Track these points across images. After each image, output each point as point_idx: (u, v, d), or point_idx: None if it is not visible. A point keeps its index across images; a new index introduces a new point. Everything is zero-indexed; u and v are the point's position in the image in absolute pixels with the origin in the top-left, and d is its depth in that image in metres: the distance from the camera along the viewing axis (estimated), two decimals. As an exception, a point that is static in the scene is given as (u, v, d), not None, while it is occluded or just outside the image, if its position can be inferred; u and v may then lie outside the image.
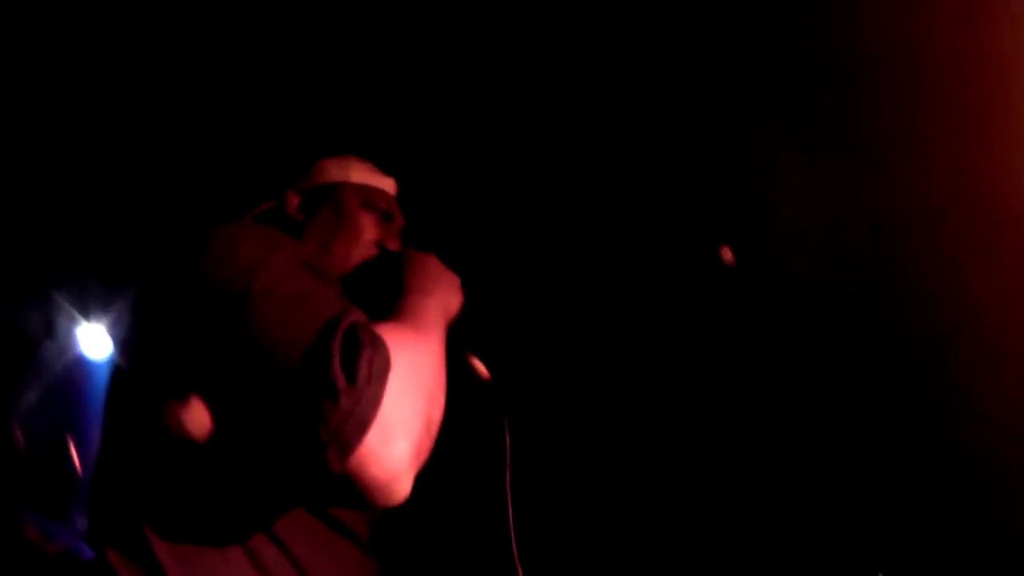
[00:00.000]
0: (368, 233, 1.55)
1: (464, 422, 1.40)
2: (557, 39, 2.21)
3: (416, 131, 2.23)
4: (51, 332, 3.78)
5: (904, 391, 2.52)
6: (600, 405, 2.48)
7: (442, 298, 1.36)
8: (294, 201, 1.58)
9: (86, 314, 3.78)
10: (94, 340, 3.89)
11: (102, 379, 3.72)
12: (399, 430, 1.02)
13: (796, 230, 2.34)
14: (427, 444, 1.09)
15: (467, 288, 1.42)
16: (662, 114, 2.32)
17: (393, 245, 1.58)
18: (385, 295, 1.32)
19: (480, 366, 1.42)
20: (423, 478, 1.13)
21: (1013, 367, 2.38)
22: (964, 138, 2.23)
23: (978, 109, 2.20)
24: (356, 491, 1.01)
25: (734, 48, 2.22)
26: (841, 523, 2.55)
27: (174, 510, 1.17)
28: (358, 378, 0.99)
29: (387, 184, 1.66)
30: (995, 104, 2.17)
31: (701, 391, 2.53)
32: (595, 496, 2.48)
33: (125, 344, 1.29)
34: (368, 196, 1.60)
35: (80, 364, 3.94)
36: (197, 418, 1.11)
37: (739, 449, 2.63)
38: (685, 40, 2.22)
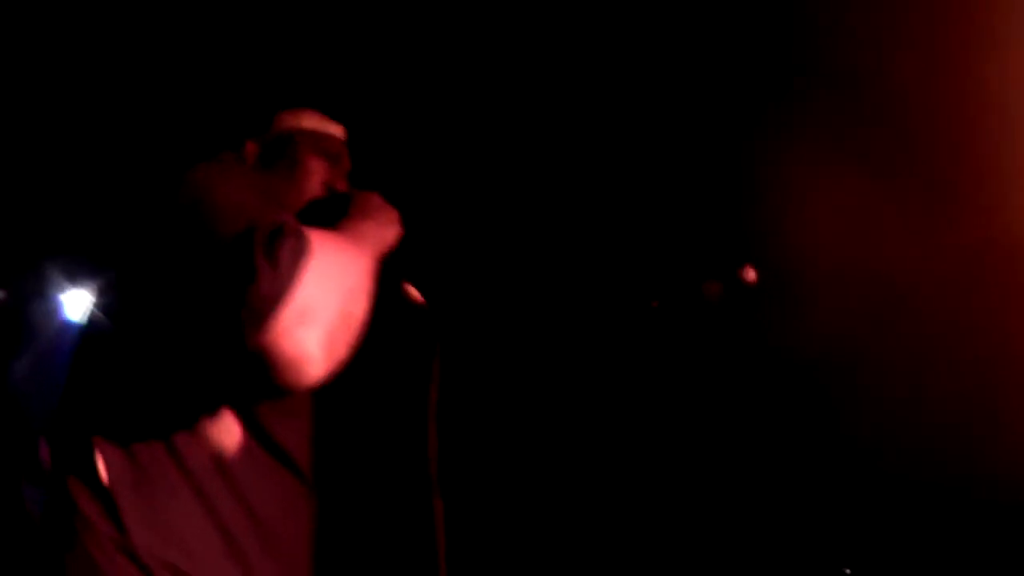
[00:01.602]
0: (317, 175, 1.67)
1: (398, 347, 1.51)
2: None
3: (371, 84, 2.32)
4: (42, 299, 3.86)
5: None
6: (535, 350, 2.54)
7: (378, 226, 1.47)
8: (252, 149, 1.70)
9: (71, 281, 3.87)
10: (76, 305, 3.99)
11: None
12: (313, 314, 1.12)
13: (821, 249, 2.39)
14: (344, 338, 1.19)
15: (407, 223, 1.52)
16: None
17: (341, 186, 1.70)
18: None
19: (415, 293, 1.51)
20: (357, 405, 1.24)
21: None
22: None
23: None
24: (269, 368, 1.11)
25: (749, 50, 2.27)
26: (809, 519, 2.62)
27: (124, 437, 1.31)
28: (277, 260, 1.09)
29: (336, 130, 1.77)
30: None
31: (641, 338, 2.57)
32: (520, 427, 2.54)
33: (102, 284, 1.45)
34: (318, 141, 1.71)
35: (65, 329, 4.03)
36: None
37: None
38: (697, 43, 2.28)
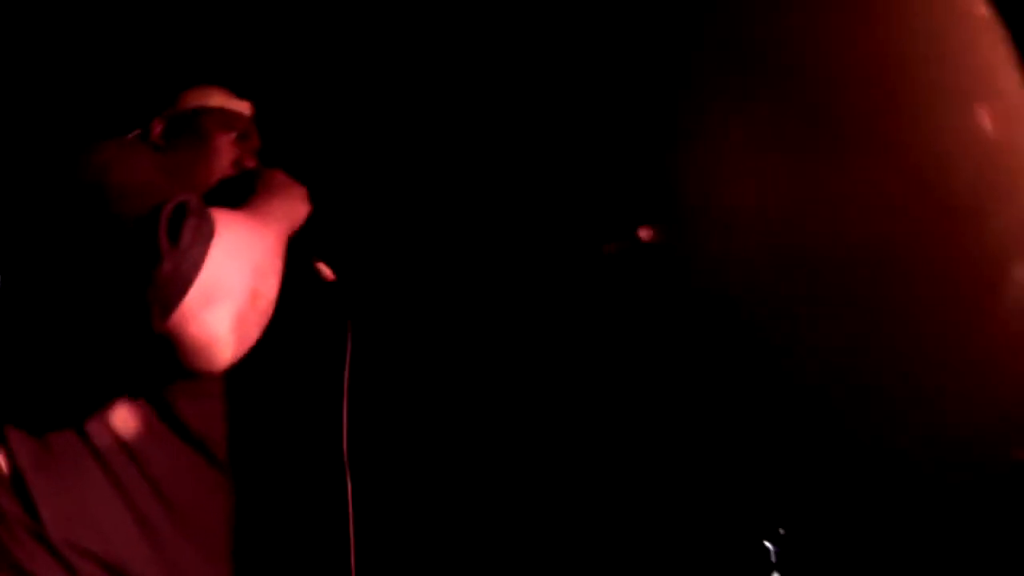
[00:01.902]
0: (226, 153, 1.64)
1: (310, 326, 1.50)
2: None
3: (275, 58, 2.27)
4: None
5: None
6: (442, 321, 2.54)
7: (285, 202, 1.45)
8: (157, 128, 1.65)
9: None
10: None
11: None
12: (220, 295, 1.10)
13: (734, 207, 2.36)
14: (254, 318, 1.17)
15: (315, 199, 1.51)
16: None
17: (250, 163, 1.66)
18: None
19: (326, 270, 1.50)
20: (269, 385, 1.23)
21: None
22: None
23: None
24: (177, 352, 1.09)
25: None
26: (733, 485, 2.58)
27: (31, 420, 1.27)
28: (181, 241, 1.07)
29: (243, 107, 1.73)
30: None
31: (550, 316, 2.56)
32: (429, 405, 2.54)
33: None
34: (225, 119, 1.68)
35: None
36: None
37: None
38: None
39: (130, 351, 1.17)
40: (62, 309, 1.23)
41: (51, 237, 1.23)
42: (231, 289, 1.12)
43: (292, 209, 1.45)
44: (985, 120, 1.48)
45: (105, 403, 1.30)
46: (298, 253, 1.40)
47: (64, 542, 1.23)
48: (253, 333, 1.17)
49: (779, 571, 2.24)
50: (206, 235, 1.10)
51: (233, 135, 1.66)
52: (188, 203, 1.11)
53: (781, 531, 2.43)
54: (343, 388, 1.53)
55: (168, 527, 1.33)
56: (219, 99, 1.71)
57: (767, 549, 2.26)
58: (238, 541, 1.46)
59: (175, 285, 1.06)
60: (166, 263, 1.05)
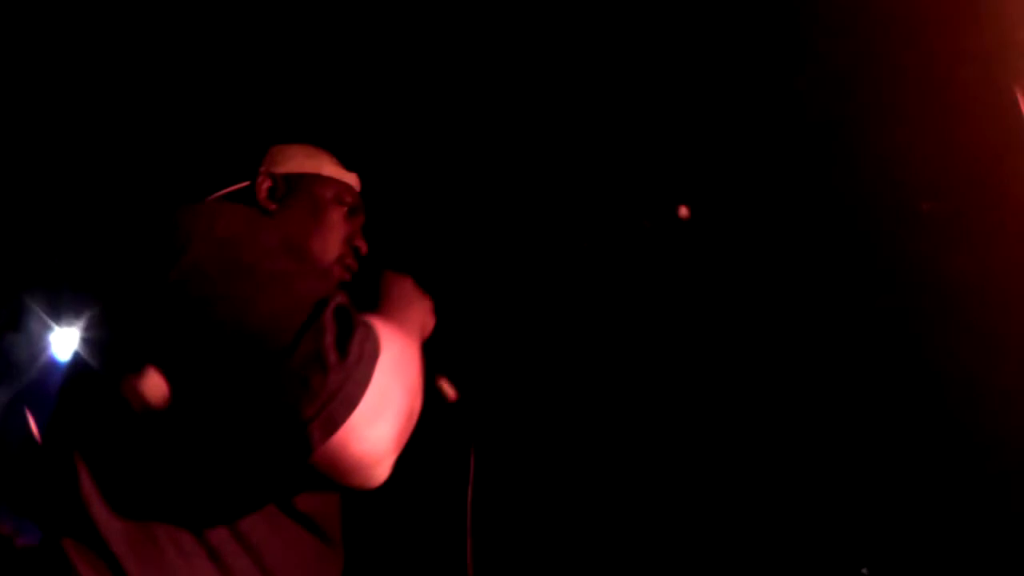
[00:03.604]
0: (340, 228, 1.56)
1: (432, 444, 1.43)
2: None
3: (370, 127, 2.25)
4: (21, 334, 3.74)
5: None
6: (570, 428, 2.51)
7: (418, 316, 1.40)
8: (265, 185, 1.55)
9: (57, 318, 3.74)
10: (65, 344, 3.82)
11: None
12: (384, 413, 1.03)
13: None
14: (406, 436, 1.10)
15: (439, 312, 1.45)
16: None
17: (361, 245, 1.60)
18: (361, 303, 1.29)
19: (448, 388, 1.44)
20: (392, 487, 1.16)
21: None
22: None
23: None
24: (335, 470, 1.02)
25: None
26: (825, 518, 2.54)
27: (132, 500, 1.15)
28: (349, 355, 0.99)
29: (353, 179, 1.66)
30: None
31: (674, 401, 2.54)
32: (559, 519, 2.50)
33: (92, 323, 1.26)
34: (339, 191, 1.60)
35: (51, 367, 3.87)
36: (154, 387, 1.10)
37: (722, 448, 2.62)
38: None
39: (279, 466, 1.08)
40: (182, 402, 1.10)
41: (178, 334, 1.08)
42: (394, 409, 1.06)
43: (423, 322, 1.40)
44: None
45: (218, 490, 1.18)
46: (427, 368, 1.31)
47: None
48: (404, 442, 1.10)
49: None
50: (373, 351, 1.03)
51: (345, 209, 1.59)
52: (349, 308, 1.03)
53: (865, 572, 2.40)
54: (466, 507, 1.45)
55: None
56: (332, 168, 1.63)
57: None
58: None
59: (342, 402, 0.98)
60: (333, 378, 0.97)
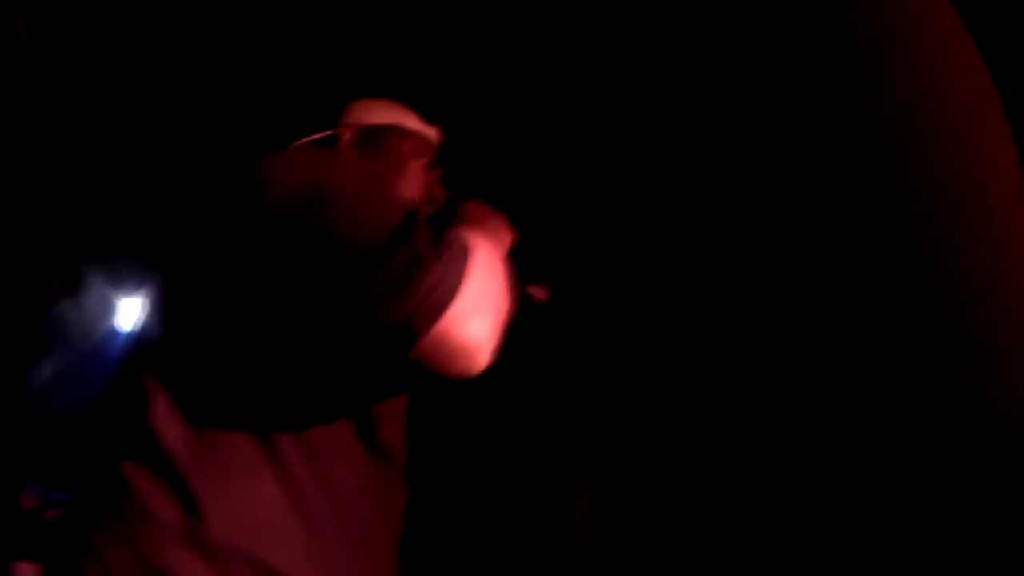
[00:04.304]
0: (419, 178, 1.60)
1: (525, 350, 1.45)
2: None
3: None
4: (78, 303, 3.80)
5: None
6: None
7: (497, 229, 1.45)
8: (348, 135, 1.60)
9: (119, 287, 3.80)
10: (127, 313, 3.89)
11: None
12: (481, 304, 1.12)
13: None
14: (501, 330, 1.17)
15: (515, 225, 1.50)
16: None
17: (438, 193, 1.63)
18: None
19: (537, 292, 1.49)
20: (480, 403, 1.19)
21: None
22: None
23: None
24: (439, 359, 1.09)
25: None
26: None
27: (204, 420, 1.19)
28: (443, 253, 1.08)
29: (433, 132, 1.71)
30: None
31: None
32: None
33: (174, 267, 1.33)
34: (419, 143, 1.64)
35: (110, 337, 3.94)
36: None
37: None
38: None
39: (385, 362, 1.13)
40: (284, 326, 1.17)
41: (248, 255, 1.17)
42: (488, 299, 1.14)
43: (501, 238, 1.44)
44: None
45: (295, 413, 1.23)
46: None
47: (219, 542, 1.14)
48: (498, 344, 1.17)
49: None
50: (464, 249, 1.12)
51: (424, 161, 1.63)
52: (439, 216, 1.11)
53: None
54: (564, 407, 1.49)
55: (337, 538, 1.23)
56: (412, 121, 1.68)
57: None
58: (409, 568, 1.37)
59: (442, 293, 1.07)
60: (432, 273, 1.06)
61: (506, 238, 1.46)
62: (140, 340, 1.33)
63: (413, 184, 1.59)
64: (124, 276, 3.70)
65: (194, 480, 1.16)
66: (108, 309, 3.86)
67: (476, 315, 1.10)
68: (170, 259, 1.34)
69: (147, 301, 1.38)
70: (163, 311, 1.32)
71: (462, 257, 1.11)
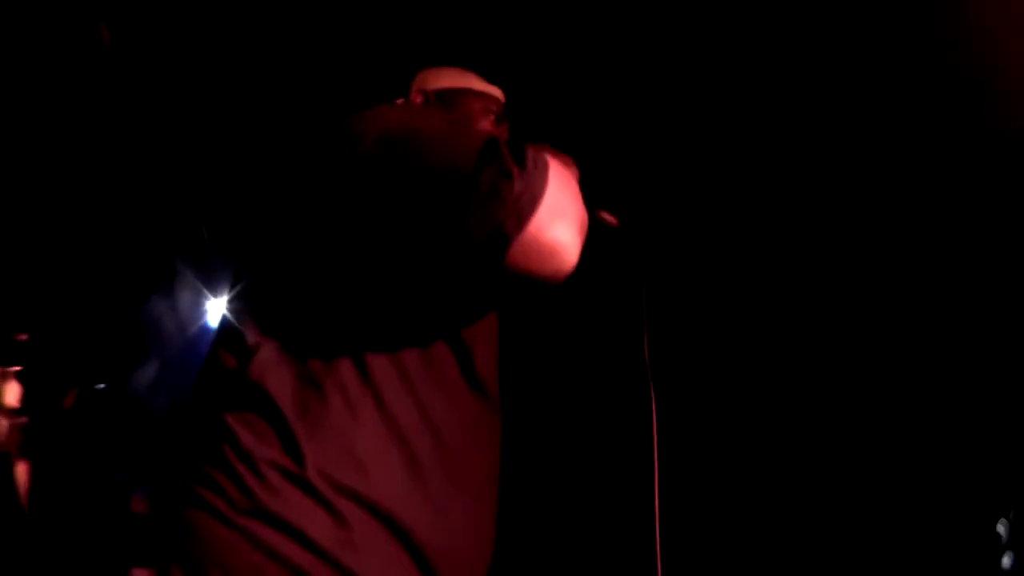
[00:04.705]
0: (491, 129, 1.71)
1: (596, 278, 1.51)
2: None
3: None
4: (174, 302, 3.92)
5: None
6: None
7: (563, 165, 1.50)
8: (418, 99, 1.73)
9: (210, 287, 3.94)
10: (217, 308, 3.94)
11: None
12: (563, 209, 1.20)
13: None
14: (582, 238, 1.24)
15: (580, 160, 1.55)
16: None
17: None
18: None
19: (609, 217, 1.53)
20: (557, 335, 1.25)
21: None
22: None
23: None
24: (531, 260, 1.17)
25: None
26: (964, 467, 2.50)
27: (306, 359, 1.26)
28: (526, 166, 1.16)
29: (498, 92, 1.81)
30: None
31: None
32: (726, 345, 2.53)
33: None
34: (485, 101, 1.75)
35: (204, 337, 3.99)
36: None
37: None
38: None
39: (460, 282, 1.23)
40: (385, 254, 1.25)
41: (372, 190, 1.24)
42: (568, 205, 1.23)
43: (570, 167, 1.49)
44: None
45: (393, 340, 1.29)
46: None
47: (323, 480, 1.18)
48: (580, 253, 1.24)
49: (1012, 550, 2.18)
50: (544, 163, 1.20)
51: (492, 118, 1.74)
52: (517, 140, 1.19)
53: (1011, 513, 2.32)
54: (643, 336, 1.54)
55: (439, 472, 1.27)
56: (479, 83, 1.78)
57: (998, 532, 2.20)
58: (507, 496, 1.42)
59: (529, 199, 1.15)
60: (517, 182, 1.14)
61: (572, 168, 1.51)
62: (235, 305, 1.41)
63: (487, 130, 1.68)
64: (214, 269, 3.82)
65: (295, 423, 1.21)
66: (200, 304, 3.98)
67: (560, 218, 1.19)
68: (266, 219, 1.43)
69: (239, 271, 1.46)
70: (258, 269, 1.41)
71: (543, 169, 1.19)
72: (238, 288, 1.42)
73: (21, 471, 2.87)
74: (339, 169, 1.27)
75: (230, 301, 1.44)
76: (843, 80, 2.38)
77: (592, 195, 1.40)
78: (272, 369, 1.26)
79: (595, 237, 1.37)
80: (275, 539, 1.15)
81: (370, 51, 2.35)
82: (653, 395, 1.53)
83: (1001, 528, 2.27)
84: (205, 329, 4.01)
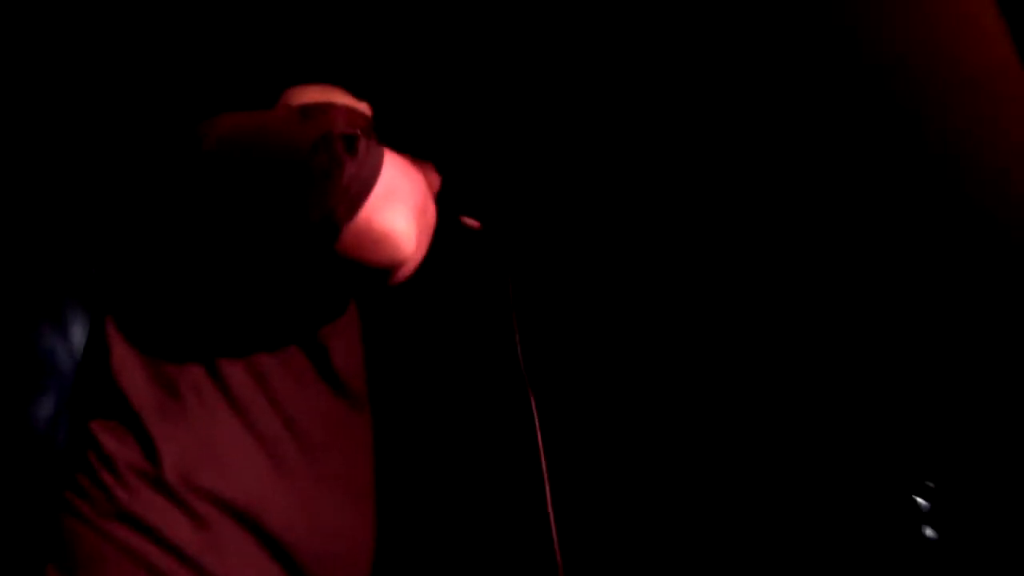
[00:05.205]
0: None
1: (462, 280, 1.55)
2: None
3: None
4: (63, 333, 3.80)
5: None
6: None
7: (417, 164, 1.53)
8: (282, 114, 1.70)
9: (99, 307, 3.77)
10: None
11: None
12: (398, 195, 1.22)
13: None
14: (424, 227, 1.27)
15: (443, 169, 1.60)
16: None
17: None
18: None
19: (470, 221, 1.57)
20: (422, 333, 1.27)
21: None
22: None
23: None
24: (363, 248, 1.18)
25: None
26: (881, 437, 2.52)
27: (158, 356, 1.29)
28: (359, 153, 1.17)
29: (365, 107, 1.83)
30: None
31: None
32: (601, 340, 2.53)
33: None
34: (351, 117, 1.78)
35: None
36: None
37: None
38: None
39: (301, 274, 1.23)
40: (219, 250, 1.27)
41: (210, 183, 1.26)
42: (406, 193, 1.23)
43: (425, 171, 1.54)
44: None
45: (244, 341, 1.31)
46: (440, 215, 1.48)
47: (183, 484, 1.20)
48: (424, 241, 1.27)
49: (930, 525, 2.21)
50: (379, 152, 1.22)
51: (358, 131, 1.78)
52: (357, 133, 1.22)
53: (930, 484, 2.35)
54: (514, 334, 1.57)
55: (307, 473, 1.30)
56: (343, 97, 1.81)
57: (917, 504, 2.24)
58: (380, 484, 1.44)
59: (359, 185, 1.17)
60: (348, 167, 1.15)
61: (433, 178, 1.56)
62: (99, 305, 1.43)
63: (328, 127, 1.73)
64: (103, 290, 3.70)
65: (151, 423, 1.24)
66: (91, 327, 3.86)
67: (394, 204, 1.20)
68: (120, 214, 1.46)
69: (102, 262, 1.48)
70: (116, 263, 1.44)
71: (376, 157, 1.20)
72: (101, 288, 1.46)
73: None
74: (184, 166, 1.29)
75: (96, 301, 1.47)
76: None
77: (454, 201, 1.46)
78: (127, 367, 1.29)
79: (461, 242, 1.41)
80: (137, 542, 1.18)
81: (240, 71, 2.37)
82: (532, 393, 1.57)
83: (920, 499, 2.34)
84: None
